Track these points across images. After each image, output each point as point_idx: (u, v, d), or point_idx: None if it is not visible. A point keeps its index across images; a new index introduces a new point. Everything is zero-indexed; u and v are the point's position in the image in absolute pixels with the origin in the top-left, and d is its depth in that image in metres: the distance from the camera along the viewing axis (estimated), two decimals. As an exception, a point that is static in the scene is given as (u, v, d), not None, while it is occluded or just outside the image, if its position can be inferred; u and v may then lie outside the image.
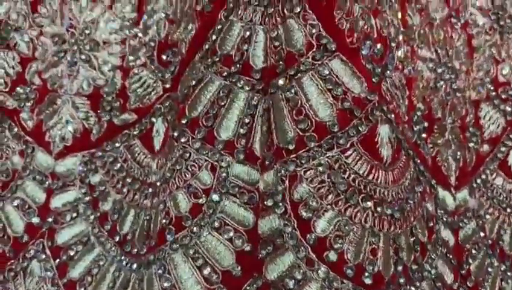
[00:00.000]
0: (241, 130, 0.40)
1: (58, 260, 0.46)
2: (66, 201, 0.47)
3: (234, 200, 0.40)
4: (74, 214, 0.47)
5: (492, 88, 0.50)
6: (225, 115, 0.41)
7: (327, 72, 0.39)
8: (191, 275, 0.39)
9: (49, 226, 0.47)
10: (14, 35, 0.49)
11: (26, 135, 0.48)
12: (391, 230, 0.39)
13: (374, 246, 0.38)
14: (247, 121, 0.41)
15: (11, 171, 0.48)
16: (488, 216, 0.49)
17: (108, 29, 0.48)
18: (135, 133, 0.47)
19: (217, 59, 0.42)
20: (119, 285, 0.44)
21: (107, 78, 0.47)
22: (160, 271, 0.40)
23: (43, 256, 0.46)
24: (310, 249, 0.38)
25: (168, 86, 0.46)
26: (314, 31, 0.40)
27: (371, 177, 0.38)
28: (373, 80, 0.40)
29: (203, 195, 0.40)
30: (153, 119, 0.46)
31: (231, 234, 0.39)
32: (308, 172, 0.38)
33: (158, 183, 0.42)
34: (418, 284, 0.41)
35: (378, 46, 0.41)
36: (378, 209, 0.38)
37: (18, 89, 0.48)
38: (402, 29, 0.44)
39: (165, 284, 0.40)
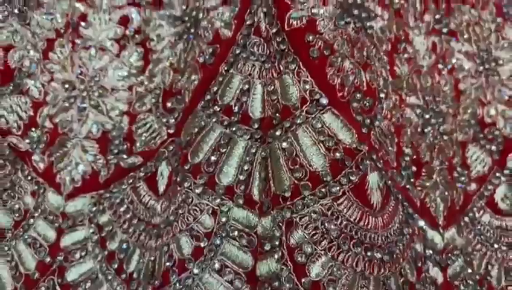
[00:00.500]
0: (241, 177, 0.43)
1: (68, 297, 0.48)
2: (76, 240, 0.49)
3: (234, 243, 0.42)
4: (83, 253, 0.49)
5: (478, 129, 0.52)
6: (225, 161, 0.44)
7: (320, 125, 0.42)
8: (195, 315, 0.41)
9: (60, 264, 0.49)
10: (27, 81, 0.51)
11: (38, 176, 0.50)
12: (381, 273, 0.41)
13: (364, 289, 0.40)
14: (246, 168, 0.43)
15: (23, 211, 0.50)
16: (476, 252, 0.50)
17: (116, 76, 0.51)
18: (141, 175, 0.49)
19: (218, 109, 0.45)
20: (126, 321, 0.46)
21: (114, 122, 0.50)
22: (165, 310, 0.42)
23: (54, 293, 0.49)
24: (305, 293, 0.40)
25: (172, 131, 0.49)
26: (307, 87, 0.43)
27: (361, 223, 0.41)
28: (363, 130, 0.43)
29: (205, 238, 0.42)
30: (158, 163, 0.49)
31: (231, 276, 0.41)
32: (303, 219, 0.40)
33: (162, 226, 0.45)
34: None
35: (368, 98, 0.44)
36: (369, 253, 0.41)
37: (30, 132, 0.50)
38: (391, 79, 0.47)
39: (170, 323, 0.41)
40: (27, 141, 0.51)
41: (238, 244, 0.42)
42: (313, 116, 0.42)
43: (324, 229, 0.40)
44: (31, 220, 0.50)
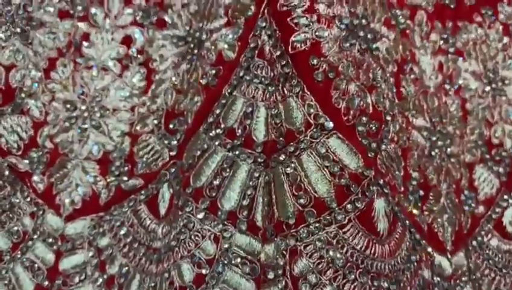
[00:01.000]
0: (244, 202, 0.42)
1: (66, 322, 0.47)
2: (75, 263, 0.48)
3: (236, 271, 0.41)
4: (82, 277, 0.48)
5: (486, 150, 0.52)
6: (228, 186, 0.43)
7: (324, 150, 0.41)
8: None
9: (58, 288, 0.48)
10: (28, 101, 0.51)
11: (38, 197, 0.49)
12: (388, 302, 0.40)
13: (371, 319, 0.39)
14: (249, 192, 0.42)
15: (22, 233, 0.49)
16: (484, 278, 0.50)
17: (118, 96, 0.50)
18: (142, 198, 0.48)
19: (221, 132, 0.44)
20: None
21: (116, 144, 0.49)
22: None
23: (52, 318, 0.48)
24: (310, 324, 0.39)
25: (173, 153, 0.48)
26: (312, 110, 0.42)
27: (368, 251, 0.40)
28: (369, 154, 0.42)
29: (206, 265, 0.41)
30: (159, 185, 0.48)
31: (233, 305, 0.41)
32: (308, 247, 0.39)
33: (163, 251, 0.44)
34: None
35: (374, 121, 0.43)
36: (375, 283, 0.40)
37: (31, 152, 0.50)
38: (397, 101, 0.47)
39: None
40: (27, 161, 0.50)
41: (241, 271, 0.41)
42: (318, 140, 0.41)
43: (329, 258, 0.39)
44: (30, 243, 0.49)
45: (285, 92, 0.43)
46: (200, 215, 0.42)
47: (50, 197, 0.49)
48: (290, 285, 0.39)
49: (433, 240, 0.46)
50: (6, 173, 0.50)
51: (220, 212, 0.42)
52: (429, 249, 0.45)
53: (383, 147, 0.43)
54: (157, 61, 0.50)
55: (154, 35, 0.51)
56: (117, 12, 0.51)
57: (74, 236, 0.49)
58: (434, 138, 0.49)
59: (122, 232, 0.48)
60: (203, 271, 0.41)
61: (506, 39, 0.54)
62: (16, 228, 0.50)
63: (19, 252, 0.49)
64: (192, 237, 0.42)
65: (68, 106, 0.50)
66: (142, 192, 0.48)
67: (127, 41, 0.51)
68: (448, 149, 0.49)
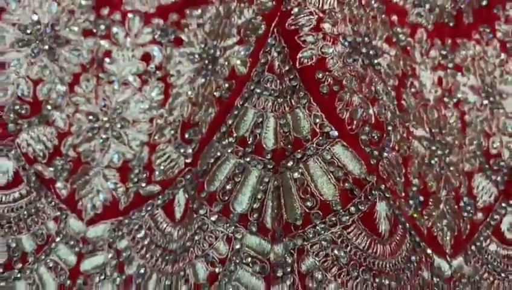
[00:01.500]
0: (254, 205, 0.45)
1: (86, 320, 0.50)
2: (95, 264, 0.51)
3: (247, 269, 0.44)
4: (102, 277, 0.51)
5: (484, 160, 0.54)
6: (240, 190, 0.46)
7: (330, 157, 0.44)
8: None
9: (79, 287, 0.50)
10: (53, 113, 0.54)
11: (61, 202, 0.52)
12: (389, 299, 0.43)
13: (373, 314, 0.41)
14: (259, 196, 0.45)
15: (46, 236, 0.52)
16: (483, 281, 0.51)
17: (138, 109, 0.54)
18: (159, 203, 0.51)
19: (233, 140, 0.47)
20: None
21: (135, 152, 0.53)
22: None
23: (73, 315, 0.50)
24: (316, 318, 0.41)
25: (189, 161, 0.51)
26: (317, 120, 0.45)
27: (370, 251, 0.43)
28: (371, 161, 0.45)
29: (219, 264, 0.44)
30: (175, 191, 0.51)
31: (245, 301, 0.43)
32: (314, 246, 0.42)
33: (178, 251, 0.46)
34: None
35: (376, 131, 0.46)
36: (377, 280, 0.42)
37: (55, 161, 0.53)
38: (398, 113, 0.49)
39: None
40: (51, 169, 0.53)
41: (252, 270, 0.44)
42: (323, 148, 0.44)
43: (334, 257, 0.42)
44: (53, 245, 0.52)
45: (293, 103, 0.46)
46: (214, 218, 0.45)
47: (73, 203, 0.52)
48: (298, 282, 0.42)
49: (432, 242, 0.48)
50: (33, 179, 0.52)
51: (232, 215, 0.45)
52: (429, 251, 0.47)
53: (385, 154, 0.46)
54: (175, 76, 0.54)
55: (171, 52, 0.54)
56: (137, 31, 0.55)
57: (95, 239, 0.52)
58: (434, 147, 0.51)
59: (140, 235, 0.51)
60: (216, 270, 0.44)
61: (503, 55, 0.57)
62: (40, 231, 0.52)
63: (43, 254, 0.52)
64: (206, 237, 0.45)
65: (91, 117, 0.54)
66: (159, 197, 0.51)
67: (146, 58, 0.54)
68: (448, 158, 0.52)
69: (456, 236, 0.50)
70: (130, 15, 0.55)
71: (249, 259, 0.44)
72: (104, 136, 0.53)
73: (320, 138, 0.45)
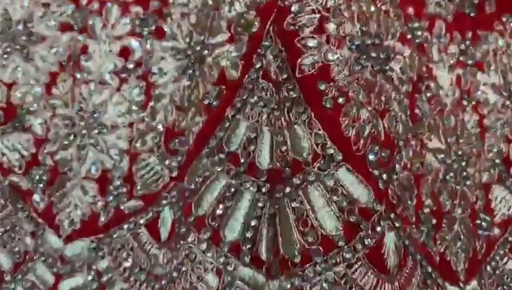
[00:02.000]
0: (248, 233, 0.40)
1: None
2: (74, 286, 0.47)
3: (239, 305, 0.40)
4: (82, 300, 0.47)
5: (504, 169, 0.49)
6: (231, 215, 0.41)
7: (333, 183, 0.39)
8: None
9: (57, 311, 0.47)
10: (29, 118, 0.49)
11: (38, 216, 0.48)
12: None
13: None
14: (253, 223, 0.41)
15: (23, 253, 0.49)
16: (498, 304, 0.48)
17: (116, 112, 0.48)
18: (141, 222, 0.47)
19: (224, 156, 0.42)
20: None
21: (114, 162, 0.48)
22: None
23: (50, 340, 0.47)
24: None
25: (174, 175, 0.46)
26: (319, 140, 0.40)
27: (377, 291, 0.38)
28: (380, 186, 0.40)
29: (209, 299, 0.40)
30: (160, 208, 0.46)
31: None
32: (314, 288, 0.38)
33: (164, 282, 0.43)
34: None
35: (385, 149, 0.41)
36: (385, 322, 0.38)
37: (32, 170, 0.49)
38: (411, 124, 0.44)
39: None
40: (29, 179, 0.49)
41: (244, 306, 0.40)
42: (326, 173, 0.39)
43: (336, 299, 0.38)
44: (30, 263, 0.48)
45: (291, 117, 0.40)
46: (202, 247, 0.41)
47: (50, 217, 0.48)
48: (295, 326, 0.38)
49: (445, 270, 0.44)
50: (8, 191, 0.49)
51: (222, 244, 0.41)
52: (440, 281, 0.43)
53: (395, 176, 0.41)
54: (157, 74, 0.48)
55: (153, 46, 0.48)
56: (114, 22, 0.49)
57: (73, 257, 0.48)
58: (449, 161, 0.46)
59: (122, 255, 0.47)
60: (206, 305, 0.40)
61: (528, 48, 0.51)
62: (17, 248, 0.49)
63: (20, 273, 0.48)
64: (194, 269, 0.41)
65: (67, 122, 0.49)
66: (142, 215, 0.47)
67: (125, 53, 0.48)
68: (464, 172, 0.47)
69: (470, 258, 0.46)
70: (108, 4, 0.48)
71: (241, 293, 0.40)
72: (80, 143, 0.48)
73: (322, 161, 0.39)
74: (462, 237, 0.46)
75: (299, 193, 0.39)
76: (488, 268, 0.48)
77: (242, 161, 0.41)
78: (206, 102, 0.44)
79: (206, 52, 0.46)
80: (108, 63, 0.49)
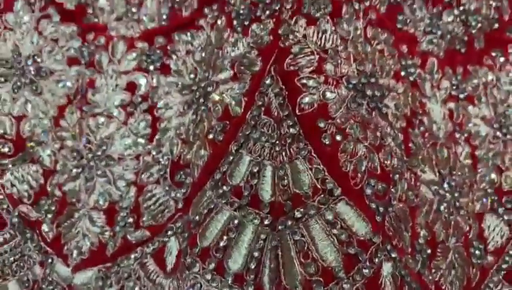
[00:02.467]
0: (251, 264, 0.42)
1: None
2: (83, 315, 0.48)
3: (244, 335, 0.41)
4: (90, 328, 0.48)
5: (496, 198, 0.50)
6: (234, 247, 0.43)
7: (332, 217, 0.41)
8: None
9: (66, 340, 0.48)
10: (38, 150, 0.50)
11: (47, 246, 0.49)
12: None
13: None
14: (256, 255, 0.42)
15: (32, 282, 0.50)
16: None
17: (123, 144, 0.50)
18: (148, 251, 0.48)
19: (227, 189, 0.44)
20: None
21: (121, 193, 0.49)
22: None
23: None
24: None
25: (180, 206, 0.48)
26: (319, 175, 0.41)
27: (374, 321, 0.40)
28: (377, 219, 0.42)
29: (214, 329, 0.41)
30: (165, 239, 0.47)
31: None
32: (315, 318, 0.39)
33: (170, 312, 0.44)
34: None
35: (382, 183, 0.42)
36: None
37: (41, 201, 0.50)
38: (405, 158, 0.46)
39: None
40: (37, 210, 0.50)
41: (248, 336, 0.41)
42: (326, 206, 0.41)
43: (336, 330, 0.39)
44: (39, 292, 0.50)
45: (292, 153, 0.42)
46: (208, 277, 0.42)
47: (58, 247, 0.49)
48: None
49: (441, 298, 0.46)
50: (17, 222, 0.49)
51: (226, 274, 0.42)
52: (436, 309, 0.45)
53: (391, 209, 0.43)
54: (162, 108, 0.50)
55: (158, 81, 0.50)
56: (120, 57, 0.51)
57: (81, 286, 0.49)
58: (443, 192, 0.48)
59: (129, 284, 0.48)
60: (211, 335, 0.41)
61: (517, 81, 0.53)
62: (26, 277, 0.50)
63: (29, 302, 0.49)
64: (200, 299, 0.42)
65: (75, 154, 0.50)
66: (149, 245, 0.48)
67: (132, 87, 0.50)
68: (457, 202, 0.48)
69: (465, 286, 0.47)
70: (114, 40, 0.51)
71: (246, 324, 0.41)
72: (88, 175, 0.50)
73: (322, 195, 0.41)
74: (456, 265, 0.47)
75: (300, 226, 0.41)
76: (483, 295, 0.49)
77: (245, 193, 0.43)
78: (210, 136, 0.46)
79: (210, 88, 0.48)
80: (115, 97, 0.51)
